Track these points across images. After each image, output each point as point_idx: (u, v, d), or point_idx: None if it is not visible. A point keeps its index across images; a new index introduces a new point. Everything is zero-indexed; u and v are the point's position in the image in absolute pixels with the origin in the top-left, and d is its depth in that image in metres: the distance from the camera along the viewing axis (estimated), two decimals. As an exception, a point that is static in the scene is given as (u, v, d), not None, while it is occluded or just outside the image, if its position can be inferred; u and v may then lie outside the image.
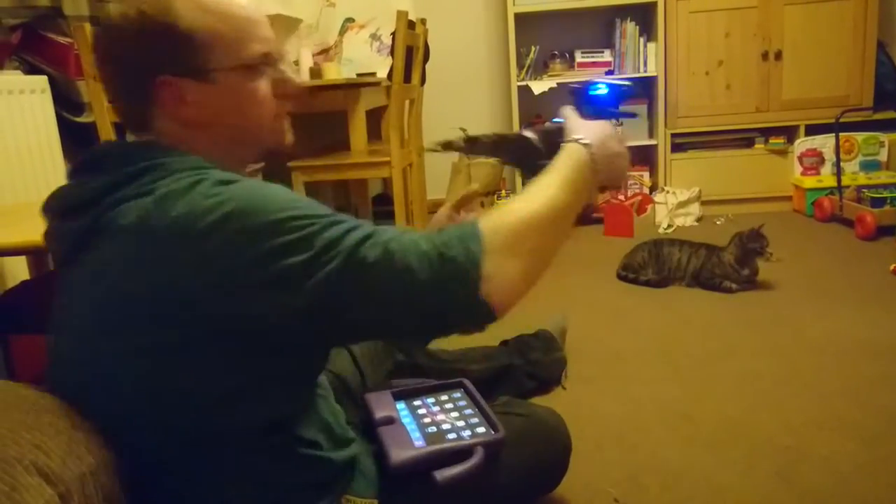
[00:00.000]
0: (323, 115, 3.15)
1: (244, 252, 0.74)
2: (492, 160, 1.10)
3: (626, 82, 1.10)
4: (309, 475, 0.87)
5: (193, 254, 0.74)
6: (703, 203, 3.55)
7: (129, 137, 0.90)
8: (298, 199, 0.80)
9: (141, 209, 0.76)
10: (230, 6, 0.86)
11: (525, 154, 1.08)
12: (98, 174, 0.81)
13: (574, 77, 3.70)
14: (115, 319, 0.77)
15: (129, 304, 0.76)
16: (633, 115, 3.61)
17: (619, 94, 1.10)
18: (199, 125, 0.86)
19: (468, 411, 1.13)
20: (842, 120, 3.29)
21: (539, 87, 3.65)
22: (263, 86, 0.89)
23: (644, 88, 3.75)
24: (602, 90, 1.06)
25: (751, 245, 2.42)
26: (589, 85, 1.06)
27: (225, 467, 0.82)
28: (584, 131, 0.97)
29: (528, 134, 1.09)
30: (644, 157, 3.82)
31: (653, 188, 3.69)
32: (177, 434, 0.79)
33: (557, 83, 3.67)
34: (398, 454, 0.99)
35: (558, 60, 3.74)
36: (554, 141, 1.02)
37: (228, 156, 0.88)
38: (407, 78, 2.97)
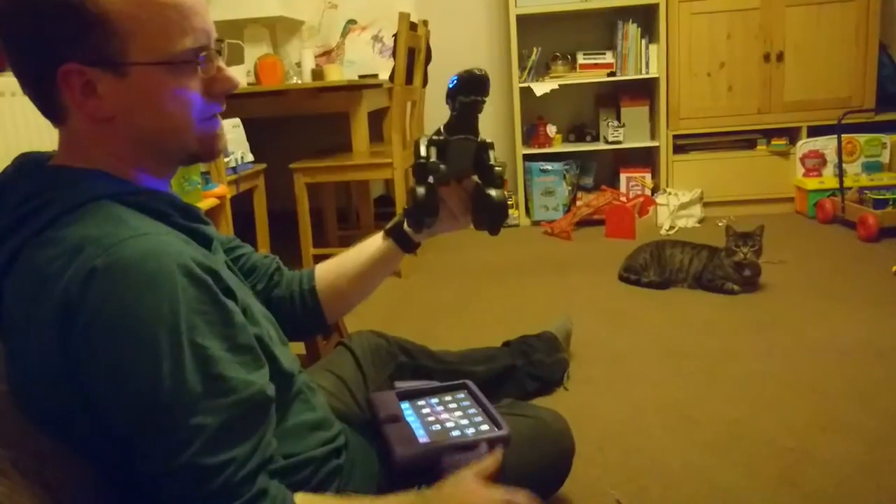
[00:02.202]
0: (325, 116, 3.16)
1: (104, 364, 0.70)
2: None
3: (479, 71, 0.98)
4: (289, 478, 0.86)
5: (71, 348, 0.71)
6: (705, 205, 3.55)
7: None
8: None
9: (33, 267, 0.72)
10: None
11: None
12: (1, 209, 0.77)
13: (576, 79, 3.71)
14: (30, 382, 0.75)
15: (39, 381, 0.74)
16: None
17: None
18: (111, 122, 0.77)
19: (472, 410, 1.13)
20: (844, 121, 3.29)
21: (541, 88, 3.65)
22: (192, 85, 0.79)
23: (646, 90, 3.75)
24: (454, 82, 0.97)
25: (729, 245, 2.44)
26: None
27: None
28: None
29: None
30: (646, 158, 3.82)
31: (654, 190, 3.69)
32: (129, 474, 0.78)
33: (559, 84, 3.68)
34: (403, 450, 0.99)
35: (560, 62, 3.74)
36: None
37: (147, 159, 0.81)
38: (409, 79, 2.98)
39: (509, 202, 3.70)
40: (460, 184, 0.98)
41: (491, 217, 0.98)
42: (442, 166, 0.94)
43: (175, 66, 0.77)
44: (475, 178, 0.99)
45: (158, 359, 0.69)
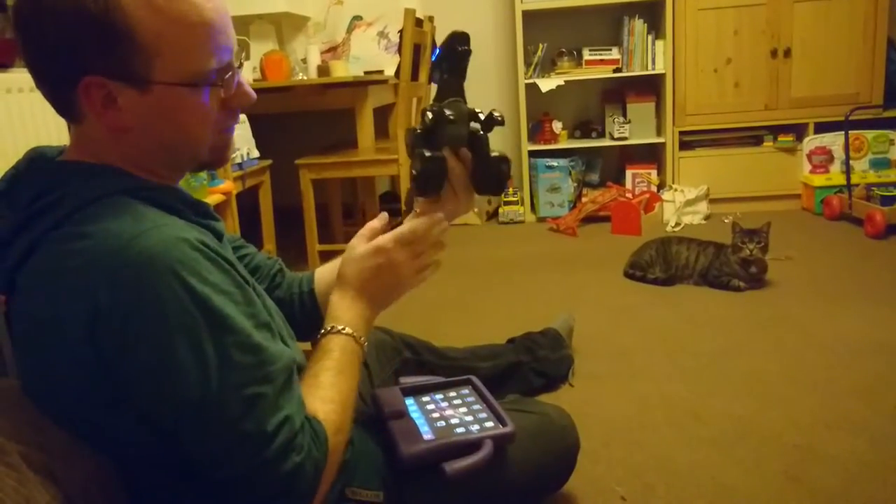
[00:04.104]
0: (330, 112, 3.16)
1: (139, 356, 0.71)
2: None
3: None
4: None
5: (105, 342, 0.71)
6: (712, 201, 3.54)
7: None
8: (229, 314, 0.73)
9: (52, 262, 0.72)
10: (188, 11, 0.74)
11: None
12: (13, 203, 0.77)
13: (582, 75, 3.69)
14: (47, 381, 0.76)
15: (60, 377, 0.75)
16: None
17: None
18: (128, 132, 0.77)
19: (476, 406, 1.13)
20: (851, 118, 3.27)
21: (546, 84, 3.64)
22: (213, 101, 0.79)
23: (652, 86, 3.74)
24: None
25: (736, 241, 2.43)
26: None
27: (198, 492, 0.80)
28: (343, 312, 0.96)
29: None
30: (652, 155, 3.81)
31: (660, 186, 3.68)
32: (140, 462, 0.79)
33: (565, 81, 3.67)
34: (408, 447, 0.99)
35: (566, 58, 3.73)
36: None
37: (158, 165, 0.82)
38: (414, 76, 2.98)
39: (514, 198, 3.70)
40: (458, 155, 0.98)
41: (494, 175, 0.99)
42: (450, 114, 0.93)
43: (199, 85, 0.77)
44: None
45: (200, 342, 0.70)
